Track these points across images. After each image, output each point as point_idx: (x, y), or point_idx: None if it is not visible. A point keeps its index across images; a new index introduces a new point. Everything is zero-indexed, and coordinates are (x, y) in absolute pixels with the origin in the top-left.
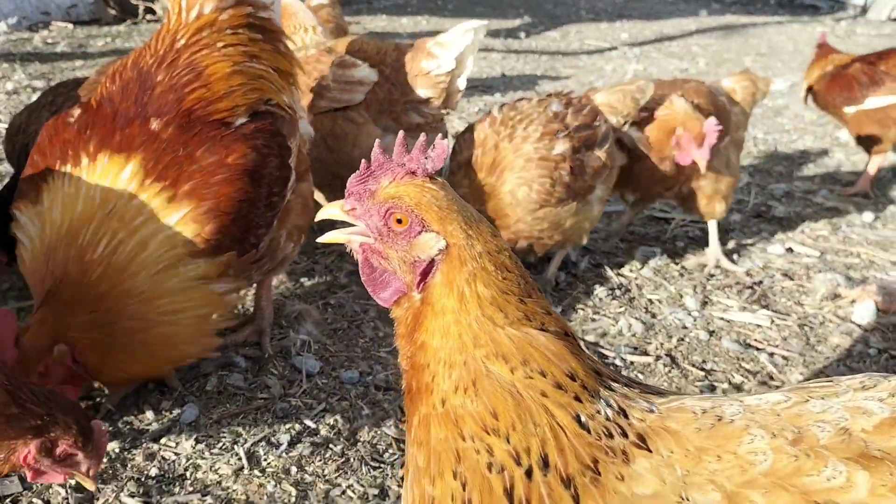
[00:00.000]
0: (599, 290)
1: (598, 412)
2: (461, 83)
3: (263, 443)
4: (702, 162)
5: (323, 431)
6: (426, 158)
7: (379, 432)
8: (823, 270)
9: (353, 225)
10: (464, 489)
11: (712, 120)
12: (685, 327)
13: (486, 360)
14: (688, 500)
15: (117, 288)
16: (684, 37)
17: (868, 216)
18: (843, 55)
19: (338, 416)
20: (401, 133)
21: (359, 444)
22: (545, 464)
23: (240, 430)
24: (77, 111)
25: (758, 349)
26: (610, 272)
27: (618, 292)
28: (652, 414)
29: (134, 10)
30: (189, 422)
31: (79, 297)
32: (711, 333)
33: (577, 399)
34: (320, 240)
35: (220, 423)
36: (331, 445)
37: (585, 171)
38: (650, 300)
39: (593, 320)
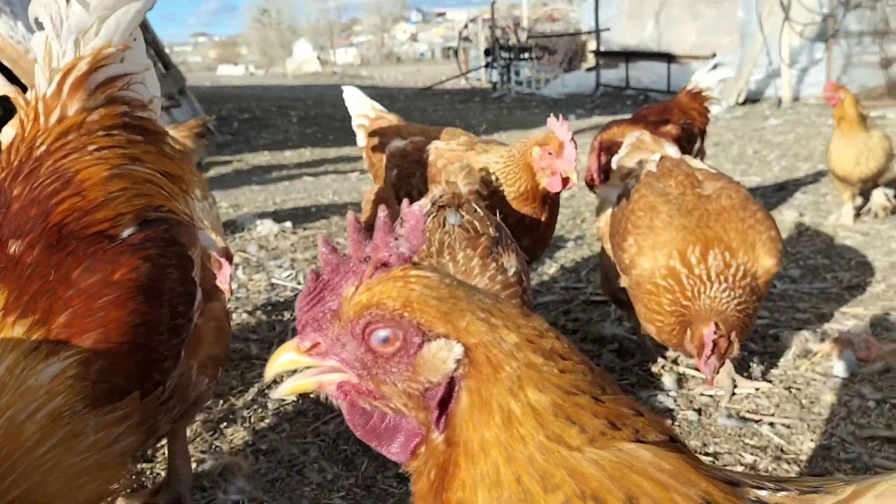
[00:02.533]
0: None
1: None
2: None
3: None
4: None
5: None
6: (397, 239)
7: None
8: (781, 327)
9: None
10: None
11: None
12: (670, 409)
13: None
14: None
15: None
16: None
17: (795, 272)
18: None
19: None
20: (350, 214)
21: None
22: None
23: None
24: None
25: (756, 421)
26: None
27: None
28: None
29: None
30: None
31: None
32: (700, 412)
33: None
34: (276, 394)
35: None
36: None
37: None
38: (621, 386)
39: None
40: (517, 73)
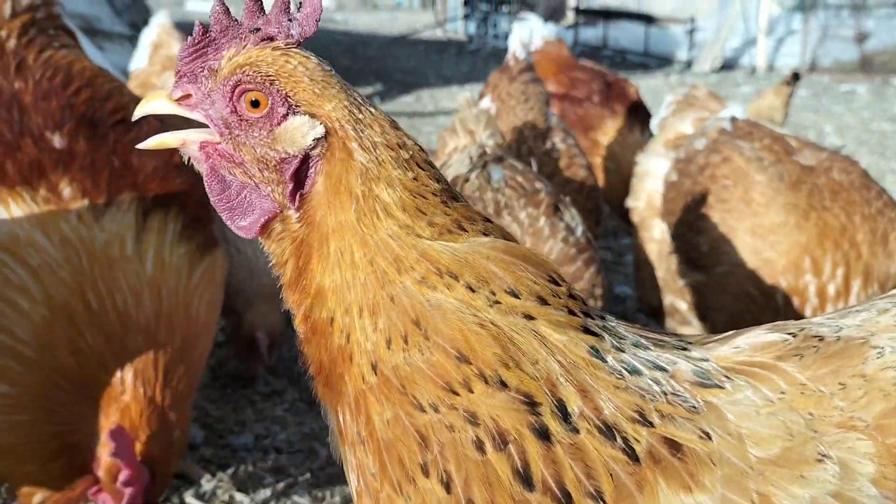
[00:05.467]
0: None
1: (621, 339)
2: None
3: None
4: None
5: None
6: (291, 21)
7: (289, 502)
8: None
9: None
10: (448, 489)
11: None
12: None
13: (424, 285)
14: (828, 457)
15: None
16: None
17: None
18: None
19: (234, 492)
20: None
21: None
22: (563, 413)
23: None
24: None
25: None
26: None
27: None
28: (692, 352)
29: None
30: None
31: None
32: None
33: (573, 313)
34: (142, 145)
35: None
36: None
37: None
38: None
39: None
40: (495, 26)
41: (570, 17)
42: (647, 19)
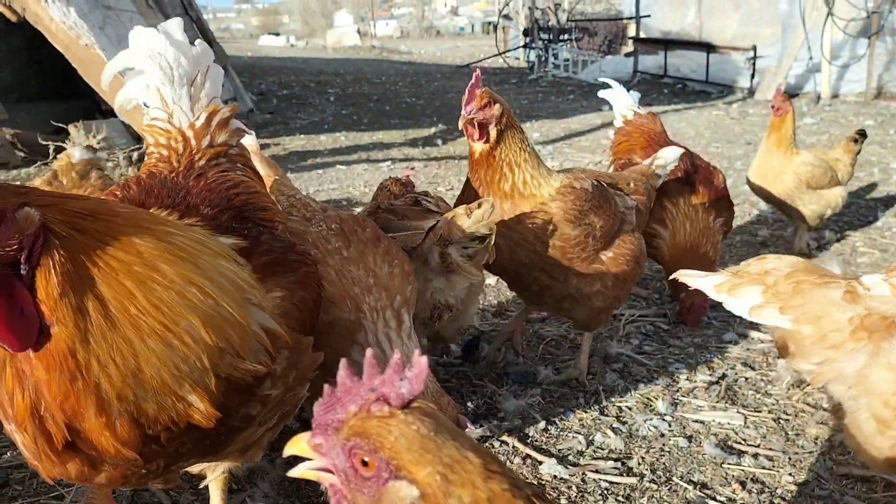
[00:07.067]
0: (567, 401)
1: None
2: None
3: None
4: None
5: None
6: (402, 380)
7: None
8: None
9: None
10: None
11: None
12: (662, 434)
13: None
14: None
15: None
16: (592, 131)
17: None
18: None
19: None
20: (369, 351)
21: None
22: None
23: None
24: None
25: (741, 452)
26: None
27: (581, 400)
28: None
29: (44, 151)
30: None
31: None
32: (690, 439)
33: None
34: (291, 473)
35: None
36: None
37: None
38: (618, 407)
39: (563, 438)
40: (555, 56)
41: (631, 44)
42: (708, 47)
